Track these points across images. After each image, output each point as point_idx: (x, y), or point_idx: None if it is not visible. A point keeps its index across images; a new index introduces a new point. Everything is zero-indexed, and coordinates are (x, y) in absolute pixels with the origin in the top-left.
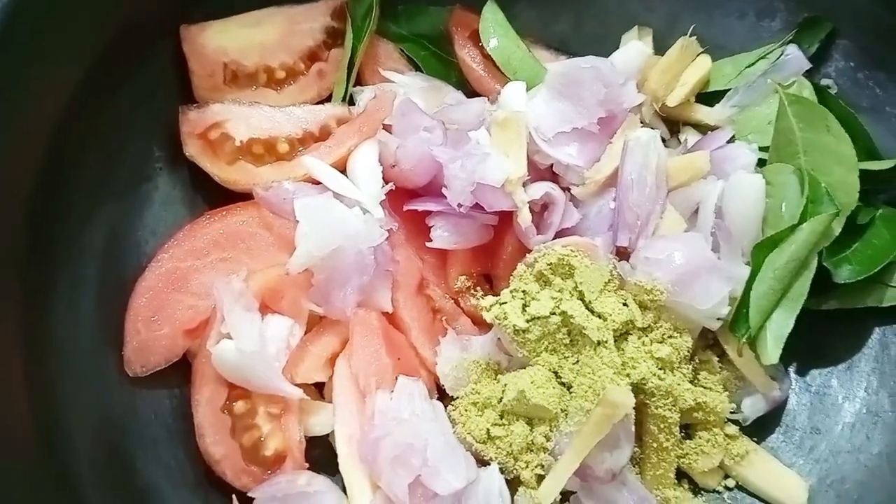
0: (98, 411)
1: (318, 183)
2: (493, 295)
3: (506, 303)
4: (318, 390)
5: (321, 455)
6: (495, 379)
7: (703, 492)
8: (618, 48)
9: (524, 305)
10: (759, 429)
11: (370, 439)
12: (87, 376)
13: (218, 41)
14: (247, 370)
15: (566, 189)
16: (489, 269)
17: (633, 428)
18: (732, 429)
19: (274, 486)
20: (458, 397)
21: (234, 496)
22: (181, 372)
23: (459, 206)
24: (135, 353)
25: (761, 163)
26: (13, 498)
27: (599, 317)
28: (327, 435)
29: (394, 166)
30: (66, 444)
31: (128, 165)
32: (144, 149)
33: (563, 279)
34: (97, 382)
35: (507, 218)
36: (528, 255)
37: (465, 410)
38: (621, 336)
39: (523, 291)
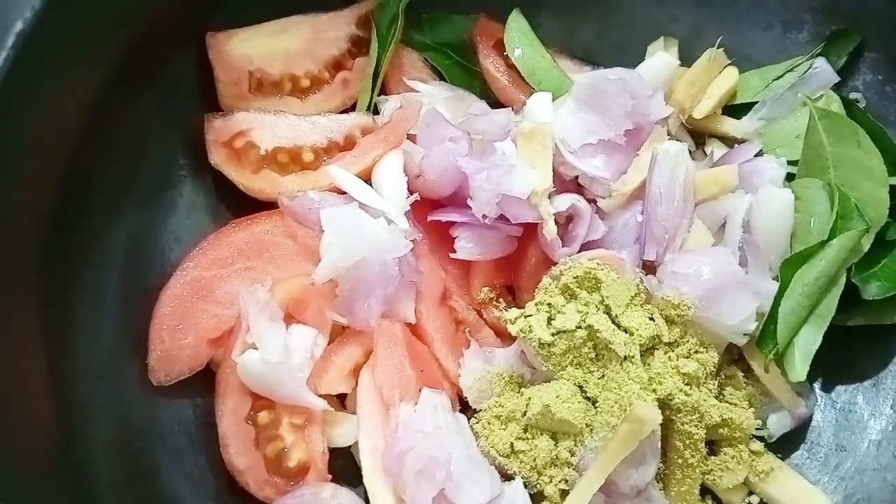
0: (120, 418)
1: (343, 193)
2: (516, 307)
3: (531, 315)
4: (341, 401)
5: (344, 466)
6: (519, 392)
7: None
8: (642, 58)
9: (549, 318)
10: (784, 445)
11: (394, 452)
12: (109, 383)
13: (243, 49)
14: (271, 381)
15: (592, 201)
16: (512, 281)
17: (658, 444)
18: (757, 445)
19: (297, 498)
20: (480, 410)
21: None
22: (204, 381)
23: (484, 217)
24: (159, 362)
25: (789, 177)
26: None
27: (626, 331)
28: (349, 446)
29: (418, 177)
30: (88, 451)
31: (152, 172)
32: (169, 156)
33: (589, 293)
34: (119, 390)
35: (531, 229)
36: (553, 267)
37: (489, 424)
38: (647, 351)
39: (548, 304)
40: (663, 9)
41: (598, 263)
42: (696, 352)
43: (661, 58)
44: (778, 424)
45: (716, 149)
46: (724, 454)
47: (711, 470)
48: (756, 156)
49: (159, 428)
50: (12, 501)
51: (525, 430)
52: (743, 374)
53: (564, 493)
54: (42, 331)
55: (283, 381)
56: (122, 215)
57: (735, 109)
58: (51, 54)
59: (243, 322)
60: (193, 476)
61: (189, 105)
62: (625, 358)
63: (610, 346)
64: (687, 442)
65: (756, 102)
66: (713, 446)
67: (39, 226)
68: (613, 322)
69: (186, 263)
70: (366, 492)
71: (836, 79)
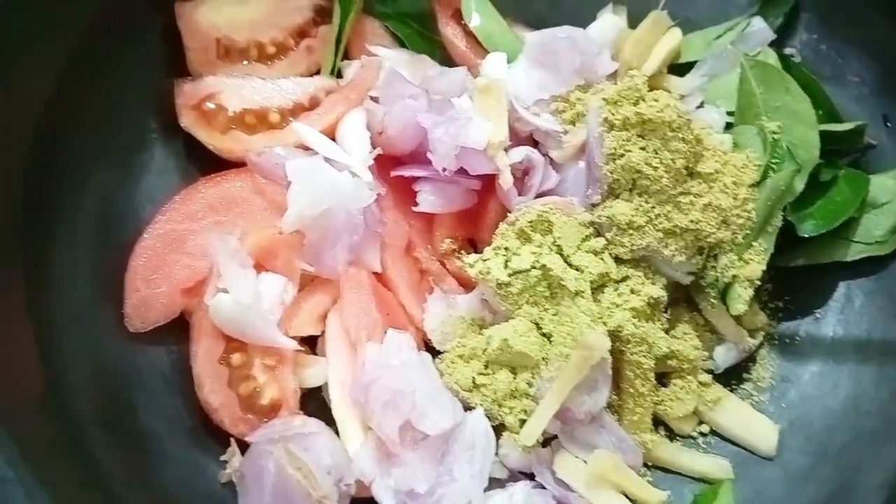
0: (98, 362)
1: (309, 149)
2: None
3: (489, 259)
4: (311, 348)
5: (315, 409)
6: (480, 333)
7: (678, 437)
8: None
9: (506, 261)
10: (731, 378)
11: (361, 383)
12: (86, 330)
13: (210, 17)
14: (243, 322)
15: (546, 154)
16: (473, 233)
17: (609, 372)
18: (705, 377)
19: (270, 427)
20: (445, 352)
21: (232, 439)
22: (178, 330)
23: (444, 170)
24: (135, 310)
25: (728, 127)
26: (24, 442)
27: (577, 269)
28: (320, 389)
29: (381, 133)
30: (70, 390)
31: (123, 135)
32: (140, 120)
33: (542, 235)
34: (96, 336)
35: (489, 184)
36: (509, 214)
37: (452, 363)
38: (598, 288)
39: (505, 248)
40: None
41: (550, 208)
42: (644, 287)
43: (608, 19)
44: (724, 356)
45: None
46: (674, 385)
47: (662, 400)
48: (698, 108)
49: (137, 371)
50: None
51: (486, 366)
52: (691, 310)
53: (524, 423)
54: (23, 283)
55: (253, 323)
56: (95, 176)
57: (680, 69)
58: (19, 21)
59: (214, 269)
60: (171, 416)
61: (160, 71)
62: (576, 293)
63: (562, 283)
64: (637, 371)
65: (698, 61)
66: (664, 379)
67: (14, 186)
68: (565, 262)
69: (159, 217)
70: (336, 432)
71: (773, 36)
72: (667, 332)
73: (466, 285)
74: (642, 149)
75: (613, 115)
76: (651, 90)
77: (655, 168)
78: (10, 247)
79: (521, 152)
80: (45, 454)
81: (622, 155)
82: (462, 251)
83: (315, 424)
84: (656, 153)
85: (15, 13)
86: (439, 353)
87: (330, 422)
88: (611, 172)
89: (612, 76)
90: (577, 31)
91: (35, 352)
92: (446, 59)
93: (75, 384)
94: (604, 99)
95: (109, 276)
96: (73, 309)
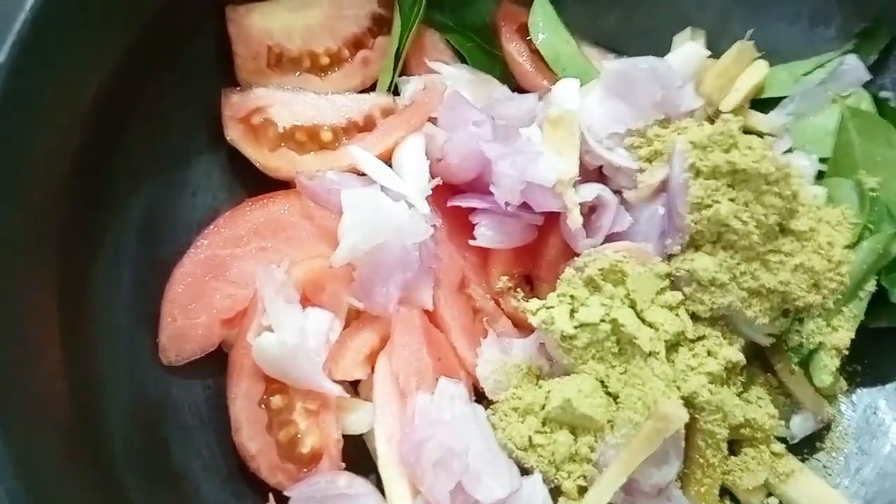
0: (133, 393)
1: (363, 174)
2: (534, 297)
3: (553, 307)
4: (353, 387)
5: (354, 454)
6: (536, 384)
7: None
8: (667, 46)
9: (572, 311)
10: (804, 447)
11: (412, 441)
12: (124, 357)
13: (263, 23)
14: (287, 364)
15: (616, 192)
16: (530, 271)
17: (682, 443)
18: (779, 446)
19: (312, 485)
20: (497, 401)
21: (271, 494)
22: (216, 361)
23: (507, 204)
24: (170, 341)
25: (819, 175)
26: (53, 475)
27: (651, 326)
28: (360, 434)
29: (440, 160)
30: (103, 425)
31: (168, 147)
32: (185, 131)
33: (614, 286)
34: (133, 364)
35: (551, 219)
36: (576, 258)
37: (505, 415)
38: (671, 347)
39: (571, 296)
40: None
41: (623, 256)
42: (721, 350)
43: (691, 48)
44: (801, 426)
45: None
46: (745, 454)
47: (731, 470)
48: (786, 152)
49: (172, 405)
50: (31, 476)
51: (543, 424)
52: (767, 374)
53: (582, 489)
54: (58, 299)
55: (299, 365)
56: (138, 188)
57: (762, 104)
58: (70, 25)
59: (259, 303)
60: (204, 455)
61: (207, 80)
62: (649, 354)
63: (634, 341)
64: (709, 441)
65: (783, 98)
66: (734, 446)
67: (59, 197)
68: (638, 317)
69: (200, 241)
70: (378, 480)
71: (868, 77)
72: (739, 395)
73: (521, 327)
74: (732, 200)
75: (702, 160)
76: None
77: (745, 223)
78: (49, 262)
79: (593, 190)
80: (77, 489)
81: (709, 206)
82: (518, 289)
83: (362, 485)
84: (747, 206)
85: (63, 20)
86: (489, 400)
87: (369, 468)
88: (695, 223)
89: (692, 112)
90: (660, 61)
91: (68, 384)
92: (506, 77)
93: (109, 418)
94: (691, 142)
95: (147, 299)
96: (109, 336)
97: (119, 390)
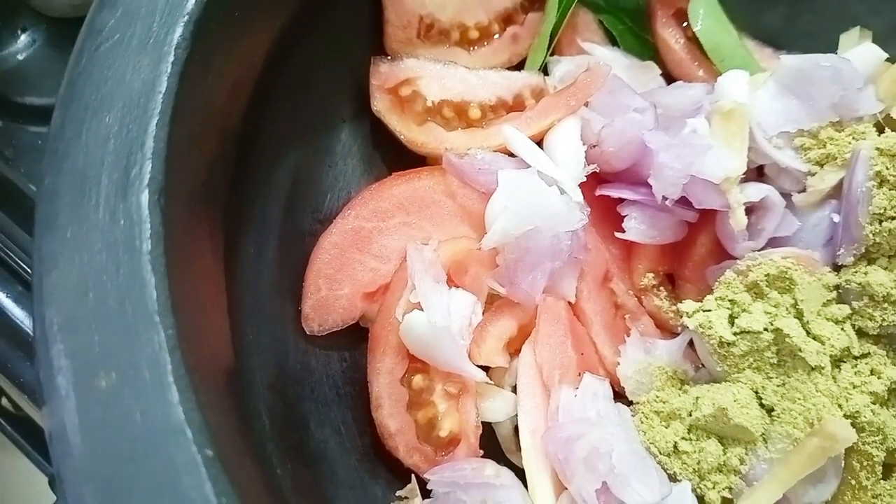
0: (276, 364)
1: (513, 156)
2: (676, 297)
3: (710, 311)
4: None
5: (485, 442)
6: (681, 389)
7: None
8: (831, 49)
9: (731, 316)
10: None
11: (560, 437)
12: (270, 325)
13: None
14: (434, 345)
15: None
16: (674, 269)
17: (842, 463)
18: None
19: (458, 471)
20: (637, 403)
21: (413, 476)
22: (351, 335)
23: (664, 198)
24: (314, 310)
25: None
26: (230, 446)
27: (816, 339)
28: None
29: (594, 146)
30: (255, 397)
31: (313, 114)
32: (331, 98)
33: (780, 294)
34: (276, 335)
35: (704, 216)
36: (738, 261)
37: (647, 418)
38: (834, 363)
39: (731, 301)
40: (865, 0)
41: (792, 262)
42: (886, 369)
43: (869, 48)
44: None
45: None
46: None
47: (880, 494)
48: None
49: (311, 378)
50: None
51: (689, 431)
52: None
53: (726, 501)
54: (220, 265)
55: (445, 347)
56: (286, 154)
57: None
58: None
59: (409, 280)
60: (341, 432)
61: (354, 47)
62: (813, 368)
63: (799, 353)
64: (865, 463)
65: None
66: (885, 470)
67: (229, 155)
68: (804, 328)
69: (348, 211)
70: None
71: None
72: None
73: (663, 327)
74: None
75: (888, 169)
76: None
77: None
78: (216, 219)
79: (761, 191)
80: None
81: (892, 217)
82: (661, 287)
83: (508, 477)
84: None
85: None
86: (628, 401)
87: (496, 456)
88: (873, 234)
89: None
90: (843, 60)
91: (232, 353)
92: (657, 63)
93: (257, 388)
94: (878, 148)
95: (288, 268)
96: (257, 307)
97: (266, 362)
